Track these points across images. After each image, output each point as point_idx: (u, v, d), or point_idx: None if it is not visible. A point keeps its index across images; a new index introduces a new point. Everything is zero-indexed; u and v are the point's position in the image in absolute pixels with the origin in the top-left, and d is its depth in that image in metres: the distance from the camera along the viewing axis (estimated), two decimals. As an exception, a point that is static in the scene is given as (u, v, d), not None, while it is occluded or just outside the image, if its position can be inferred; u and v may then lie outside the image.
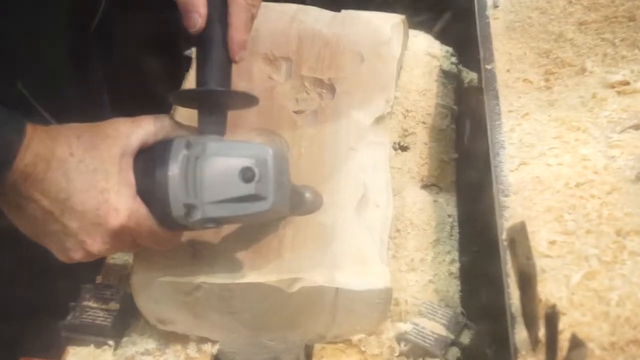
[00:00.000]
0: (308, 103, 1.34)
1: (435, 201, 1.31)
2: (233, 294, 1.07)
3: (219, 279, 1.07)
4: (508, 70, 1.31)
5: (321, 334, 1.11)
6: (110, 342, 1.12)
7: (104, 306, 1.13)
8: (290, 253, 1.09)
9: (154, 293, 1.08)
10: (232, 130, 1.22)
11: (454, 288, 1.18)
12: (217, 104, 1.03)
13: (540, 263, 0.97)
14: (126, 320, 1.14)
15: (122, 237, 1.00)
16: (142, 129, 1.01)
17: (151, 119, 1.02)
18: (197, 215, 0.97)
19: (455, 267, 1.21)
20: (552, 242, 0.99)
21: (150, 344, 1.13)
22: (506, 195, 1.09)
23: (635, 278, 0.92)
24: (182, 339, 1.13)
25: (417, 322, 1.10)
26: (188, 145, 0.98)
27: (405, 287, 1.16)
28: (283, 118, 1.30)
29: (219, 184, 0.97)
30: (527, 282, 0.86)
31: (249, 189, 0.96)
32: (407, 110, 1.44)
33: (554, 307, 0.81)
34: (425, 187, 1.34)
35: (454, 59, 1.57)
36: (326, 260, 1.08)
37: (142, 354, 1.12)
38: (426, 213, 1.28)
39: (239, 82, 1.23)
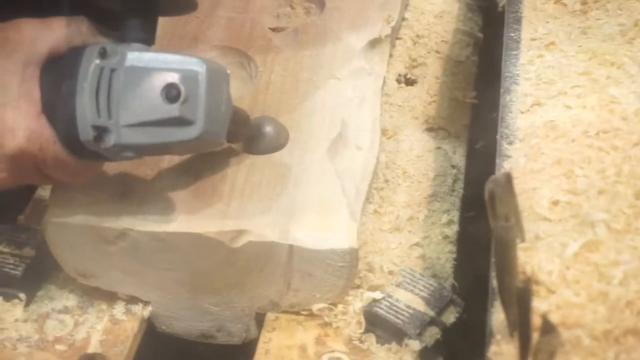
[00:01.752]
0: (290, 20, 1.28)
1: (438, 148, 1.24)
2: (165, 245, 1.02)
3: (149, 225, 1.02)
4: (539, -11, 1.23)
5: (274, 301, 1.06)
6: (21, 295, 1.08)
7: (16, 251, 1.10)
8: (239, 199, 1.04)
9: (71, 239, 1.04)
10: (189, 45, 1.17)
11: (446, 255, 1.12)
12: (145, 3, 0.96)
13: (535, 227, 0.90)
14: (43, 270, 1.10)
15: (22, 164, 0.94)
16: (52, 33, 0.95)
17: (64, 21, 0.96)
18: (110, 141, 0.92)
19: (452, 230, 1.14)
20: (555, 203, 0.92)
21: (71, 301, 1.10)
22: (510, 143, 1.02)
23: (649, 252, 0.85)
24: (109, 296, 1.09)
25: (392, 292, 1.04)
26: (103, 54, 0.92)
27: (384, 249, 1.10)
28: (255, 35, 1.24)
29: (137, 104, 0.91)
30: (503, 249, 0.80)
31: (172, 110, 0.91)
32: (417, 36, 1.37)
33: (527, 281, 0.75)
34: (429, 130, 1.28)
35: (486, -25, 1.49)
36: (281, 211, 1.02)
37: (59, 311, 1.09)
38: (425, 161, 1.22)
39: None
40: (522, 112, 1.05)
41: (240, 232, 1.01)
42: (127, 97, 0.91)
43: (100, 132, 0.92)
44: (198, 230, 1.01)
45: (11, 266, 1.08)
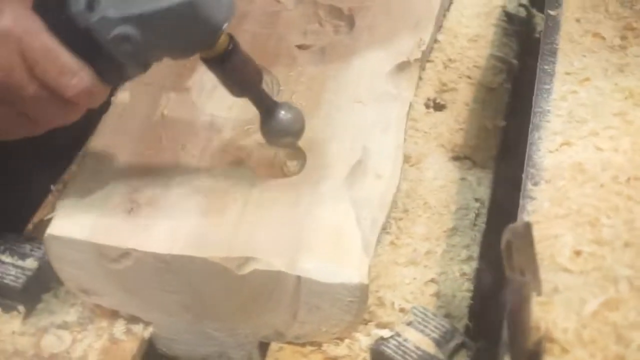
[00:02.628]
0: (318, 37, 1.24)
1: (463, 179, 1.19)
2: (170, 267, 0.98)
3: (154, 246, 0.98)
4: (577, 20, 1.18)
5: (279, 332, 1.02)
6: (20, 308, 1.05)
7: (19, 262, 1.07)
8: (249, 224, 1.00)
9: (73, 255, 1.01)
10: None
11: (462, 294, 1.07)
12: None
13: (554, 278, 0.85)
14: (44, 282, 1.07)
15: (7, 52, 0.88)
16: None
17: None
18: (102, 11, 0.89)
19: (470, 267, 1.10)
20: (577, 253, 0.88)
21: (71, 316, 1.07)
22: (536, 183, 0.97)
23: (675, 315, 0.80)
24: (110, 314, 1.06)
25: (401, 331, 0.99)
26: None
27: (397, 284, 1.05)
28: (280, 52, 1.21)
29: None
30: (517, 304, 0.75)
31: None
32: (449, 60, 1.32)
33: (540, 340, 0.70)
34: (455, 159, 1.23)
35: (524, 0, 1.44)
36: (292, 239, 0.98)
37: (58, 326, 1.05)
38: (447, 193, 1.17)
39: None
40: (550, 152, 1.01)
41: (247, 259, 0.97)
42: None
43: (91, 2, 0.89)
44: (204, 254, 0.97)
45: (12, 277, 1.05)
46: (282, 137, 1.04)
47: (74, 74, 0.92)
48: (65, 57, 0.91)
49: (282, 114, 1.02)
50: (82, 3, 0.89)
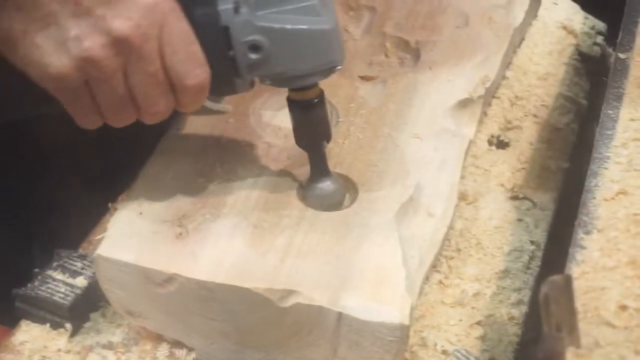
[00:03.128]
0: (382, 69, 1.23)
1: (520, 220, 1.17)
2: (213, 295, 0.99)
3: (198, 273, 0.98)
4: (648, 65, 1.15)
5: (320, 366, 1.01)
6: (67, 325, 1.06)
7: (69, 280, 1.08)
8: (294, 257, 0.99)
9: (120, 276, 1.02)
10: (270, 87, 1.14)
11: (509, 338, 1.05)
12: None
13: (596, 332, 0.83)
14: (93, 301, 1.08)
15: (151, 20, 0.89)
16: None
17: None
18: (246, 15, 0.92)
19: (520, 311, 1.08)
20: (623, 307, 0.85)
21: (116, 337, 1.08)
22: (587, 232, 0.95)
23: None
24: (155, 337, 1.06)
25: (442, 375, 0.98)
26: None
27: (442, 324, 1.04)
28: (342, 83, 1.20)
29: None
30: None
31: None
32: (516, 97, 1.30)
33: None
34: (514, 199, 1.20)
35: (600, 39, 1.41)
36: (336, 275, 0.98)
37: (103, 346, 1.06)
38: (503, 234, 1.15)
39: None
40: (605, 200, 0.98)
41: (290, 292, 0.96)
42: None
43: (237, 4, 0.92)
44: (247, 285, 0.97)
45: (61, 295, 1.07)
46: (318, 204, 1.05)
47: (200, 65, 0.93)
48: (197, 46, 0.93)
49: (327, 184, 1.05)
50: (230, 1, 0.92)
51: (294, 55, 0.95)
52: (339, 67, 0.98)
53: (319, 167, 1.05)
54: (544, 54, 1.36)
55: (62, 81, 0.90)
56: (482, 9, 1.28)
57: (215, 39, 0.93)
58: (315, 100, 1.01)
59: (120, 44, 0.89)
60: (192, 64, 0.93)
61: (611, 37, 1.43)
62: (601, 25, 1.45)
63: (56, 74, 0.89)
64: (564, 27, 1.39)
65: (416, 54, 1.23)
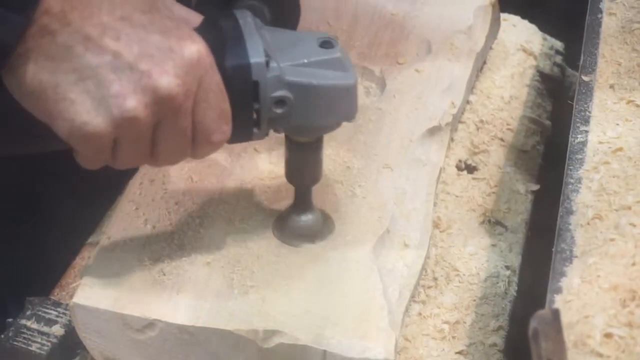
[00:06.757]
0: (348, 99, 1.22)
1: (493, 245, 1.18)
2: (194, 339, 0.98)
3: (178, 317, 0.98)
4: (611, 87, 1.16)
5: (305, 404, 1.01)
6: (45, 375, 1.05)
7: (45, 329, 1.07)
8: (275, 294, 0.99)
9: (98, 323, 1.01)
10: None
11: (492, 365, 1.05)
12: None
13: (584, 362, 0.84)
14: (70, 349, 1.07)
15: (194, 76, 0.85)
16: (183, 9, 0.93)
17: (188, 9, 0.94)
18: (276, 71, 0.91)
19: (500, 338, 1.08)
20: (608, 336, 0.86)
21: (96, 384, 1.06)
22: (565, 259, 0.95)
23: None
24: (135, 383, 1.05)
25: (427, 406, 0.98)
26: (252, 16, 0.94)
27: (424, 356, 1.04)
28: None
29: (296, 50, 0.94)
30: (543, 395, 0.74)
31: (333, 52, 0.94)
32: (481, 121, 1.32)
33: None
34: (486, 224, 1.21)
35: (559, 59, 1.43)
36: (318, 312, 0.98)
37: (82, 397, 1.05)
38: (478, 260, 1.16)
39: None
40: (581, 225, 0.99)
41: (273, 332, 0.96)
42: (283, 45, 0.94)
43: (268, 59, 0.91)
44: (229, 327, 0.97)
45: (38, 345, 1.06)
46: (298, 236, 1.05)
47: (227, 122, 0.91)
48: (227, 103, 0.90)
49: (309, 217, 1.05)
50: (262, 55, 0.91)
51: (317, 109, 0.95)
52: (353, 120, 0.98)
53: (304, 201, 1.05)
54: (506, 77, 1.37)
55: (94, 139, 0.84)
56: (443, 35, 1.29)
57: (243, 93, 0.91)
58: (315, 143, 1.00)
59: (164, 103, 0.84)
60: (221, 121, 0.90)
61: (569, 56, 1.45)
62: (559, 45, 1.47)
63: (91, 133, 0.83)
64: (524, 50, 1.41)
65: (382, 83, 1.24)
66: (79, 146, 0.86)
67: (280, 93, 0.92)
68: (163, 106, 0.84)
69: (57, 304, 1.10)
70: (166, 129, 0.87)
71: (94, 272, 1.03)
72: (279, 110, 0.93)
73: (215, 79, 0.88)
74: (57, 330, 1.07)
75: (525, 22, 1.47)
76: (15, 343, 1.06)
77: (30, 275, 1.20)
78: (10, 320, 1.08)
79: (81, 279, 1.03)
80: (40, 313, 1.08)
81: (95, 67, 0.81)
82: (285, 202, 1.06)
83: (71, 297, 1.08)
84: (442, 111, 1.21)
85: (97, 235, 1.19)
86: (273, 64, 0.91)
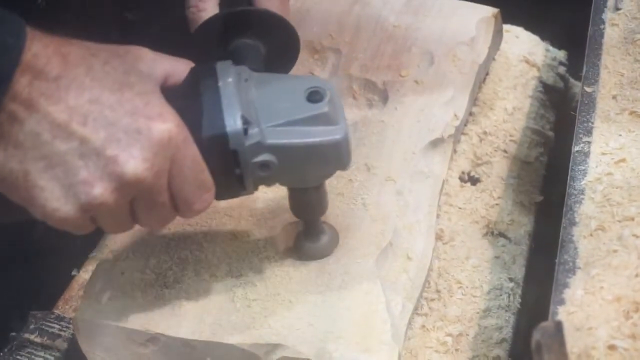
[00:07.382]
0: (351, 111, 1.24)
1: (497, 257, 1.18)
2: (197, 353, 0.99)
3: (181, 331, 0.98)
4: (614, 97, 1.16)
5: (308, 418, 1.01)
6: (48, 390, 1.05)
7: (48, 342, 1.08)
8: (278, 308, 1.00)
9: (101, 338, 1.01)
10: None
11: (495, 379, 1.05)
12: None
13: (589, 375, 0.83)
14: (73, 363, 1.07)
15: (164, 157, 0.85)
16: (167, 62, 0.92)
17: (175, 59, 0.94)
18: (256, 137, 0.89)
19: (503, 350, 1.08)
20: (612, 347, 0.86)
21: (99, 398, 1.06)
22: (569, 270, 0.95)
23: None
24: (138, 397, 1.05)
25: (432, 420, 0.98)
26: (235, 70, 0.92)
27: (428, 370, 1.04)
28: (313, 128, 1.19)
29: (280, 106, 0.91)
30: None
31: (319, 107, 0.91)
32: (484, 132, 1.31)
33: None
34: (489, 235, 1.21)
35: (561, 70, 1.43)
36: (321, 325, 0.98)
37: (86, 409, 1.05)
38: (481, 273, 1.16)
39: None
40: (584, 237, 0.99)
41: (275, 346, 0.97)
42: (267, 101, 0.91)
43: (246, 126, 0.89)
44: (231, 341, 0.97)
45: (41, 358, 1.07)
46: (311, 257, 1.05)
47: (208, 190, 0.91)
48: (206, 173, 0.90)
49: (323, 242, 1.05)
50: (239, 123, 0.88)
51: (305, 166, 0.93)
52: (347, 169, 0.97)
53: (314, 229, 1.04)
54: (508, 88, 1.37)
55: (68, 223, 0.85)
56: (446, 46, 1.29)
57: (222, 161, 0.90)
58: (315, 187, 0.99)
59: (132, 186, 0.84)
60: (201, 191, 0.90)
61: (572, 67, 1.45)
62: (561, 55, 1.47)
63: (63, 219, 0.84)
64: (527, 61, 1.41)
65: (384, 95, 1.24)
66: (57, 227, 0.86)
67: (262, 158, 0.90)
68: (132, 189, 0.85)
69: (60, 318, 1.10)
70: (142, 205, 0.88)
71: (97, 286, 1.03)
72: (263, 174, 0.91)
73: (189, 154, 0.87)
74: (60, 344, 1.08)
75: (528, 34, 1.47)
76: (18, 357, 1.07)
77: (33, 289, 1.20)
78: (13, 334, 1.09)
79: (84, 292, 1.03)
80: (43, 327, 1.09)
81: (63, 153, 0.82)
82: (288, 215, 1.05)
83: (74, 311, 1.09)
84: (444, 123, 1.20)
85: (100, 249, 1.19)
86: (253, 130, 0.89)
